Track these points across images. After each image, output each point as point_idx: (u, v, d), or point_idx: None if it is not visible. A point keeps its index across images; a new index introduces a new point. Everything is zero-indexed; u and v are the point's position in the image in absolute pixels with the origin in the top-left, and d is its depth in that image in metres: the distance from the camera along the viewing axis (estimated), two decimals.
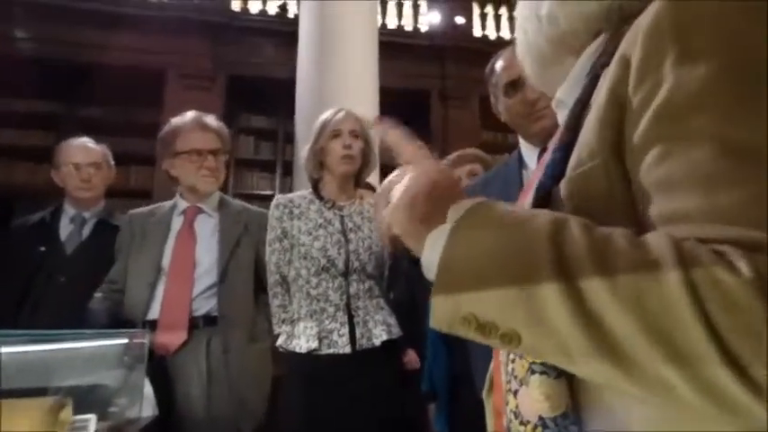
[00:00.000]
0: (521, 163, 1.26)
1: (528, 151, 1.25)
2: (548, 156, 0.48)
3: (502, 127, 5.36)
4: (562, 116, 0.56)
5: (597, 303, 0.31)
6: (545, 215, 0.37)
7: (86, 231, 1.86)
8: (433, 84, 5.02)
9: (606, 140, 0.39)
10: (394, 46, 4.56)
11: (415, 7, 5.25)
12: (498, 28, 5.44)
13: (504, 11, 5.58)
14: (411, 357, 2.34)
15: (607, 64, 0.42)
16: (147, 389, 1.34)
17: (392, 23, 5.03)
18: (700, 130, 0.33)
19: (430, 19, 5.28)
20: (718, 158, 0.32)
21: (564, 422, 0.39)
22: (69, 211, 1.89)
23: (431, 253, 0.40)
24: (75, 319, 1.50)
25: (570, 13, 0.50)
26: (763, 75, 0.32)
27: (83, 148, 1.91)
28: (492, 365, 0.57)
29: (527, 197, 0.50)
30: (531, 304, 0.33)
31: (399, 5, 5.16)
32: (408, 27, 5.12)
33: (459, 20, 5.30)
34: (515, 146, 4.96)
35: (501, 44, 5.81)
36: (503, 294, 0.34)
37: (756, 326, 0.27)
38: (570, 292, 0.32)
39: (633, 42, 0.38)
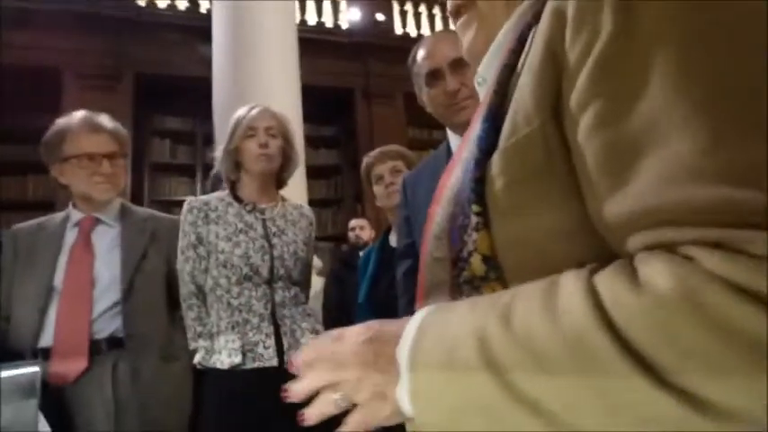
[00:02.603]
0: (449, 155, 1.24)
1: (455, 142, 1.24)
2: (474, 128, 0.43)
3: (428, 123, 5.46)
4: (482, 94, 0.51)
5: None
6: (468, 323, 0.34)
7: None
8: (357, 81, 5.00)
9: (543, 102, 0.34)
10: (315, 43, 4.47)
11: (335, 4, 5.19)
12: (419, 25, 5.51)
13: (423, 8, 5.67)
14: None
15: (535, 23, 0.38)
16: (43, 426, 1.19)
17: (312, 20, 4.94)
18: (648, 81, 0.28)
19: (350, 16, 5.24)
20: (671, 110, 0.27)
21: None
22: None
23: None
24: None
25: None
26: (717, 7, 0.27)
27: None
28: None
29: (450, 176, 0.46)
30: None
31: (318, 2, 5.08)
32: (329, 24, 5.05)
33: (380, 17, 5.30)
34: (442, 142, 5.04)
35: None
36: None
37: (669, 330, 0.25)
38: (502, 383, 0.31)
39: None
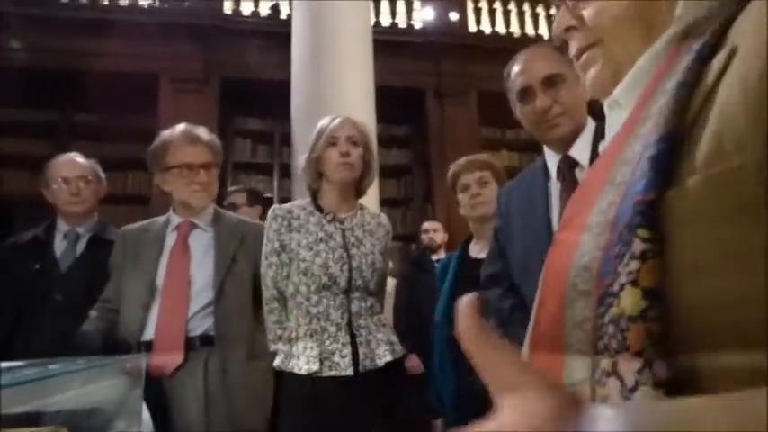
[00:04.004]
0: (546, 172, 1.23)
1: (551, 158, 1.22)
2: (639, 147, 0.39)
3: (501, 123, 5.30)
4: (614, 118, 0.49)
5: None
6: None
7: (80, 247, 1.83)
8: (429, 81, 4.98)
9: (763, 123, 0.30)
10: (388, 44, 4.51)
11: (409, 4, 5.20)
12: (493, 23, 5.39)
13: (498, 5, 5.53)
14: (414, 362, 2.32)
15: (715, 45, 0.36)
16: (145, 413, 1.32)
17: (386, 21, 4.98)
18: None
19: (424, 15, 5.22)
20: None
21: None
22: (62, 227, 1.86)
23: None
24: (71, 337, 1.48)
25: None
26: None
27: (70, 162, 1.89)
28: None
29: (587, 200, 0.42)
30: None
31: (392, 3, 5.11)
32: (402, 24, 5.07)
33: (454, 15, 5.24)
34: (515, 142, 4.94)
35: (496, 39, 5.76)
36: None
37: None
38: None
39: None
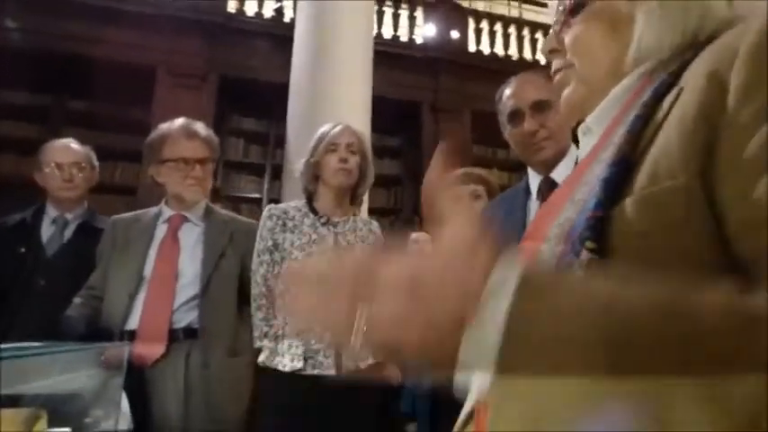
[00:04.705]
0: (528, 191, 1.28)
1: (533, 179, 1.27)
2: (587, 170, 0.45)
3: (493, 142, 5.38)
4: (585, 143, 0.55)
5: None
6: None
7: (68, 234, 1.83)
8: (426, 96, 5.05)
9: (692, 161, 0.36)
10: (388, 56, 4.58)
11: (411, 19, 5.28)
12: (493, 44, 5.50)
13: (498, 27, 5.65)
14: (393, 373, 2.34)
15: (672, 84, 0.42)
16: (123, 402, 1.32)
17: (388, 33, 5.05)
18: None
19: (425, 31, 5.32)
20: None
21: None
22: (51, 212, 1.85)
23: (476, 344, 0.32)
24: (54, 322, 1.48)
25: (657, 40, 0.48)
26: None
27: (65, 148, 1.88)
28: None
29: (552, 213, 0.47)
30: None
31: (396, 16, 5.19)
32: (404, 38, 5.14)
33: (455, 34, 5.34)
34: (506, 162, 5.01)
35: (494, 60, 5.86)
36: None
37: None
38: None
39: (728, 62, 0.37)
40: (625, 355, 0.30)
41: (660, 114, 0.41)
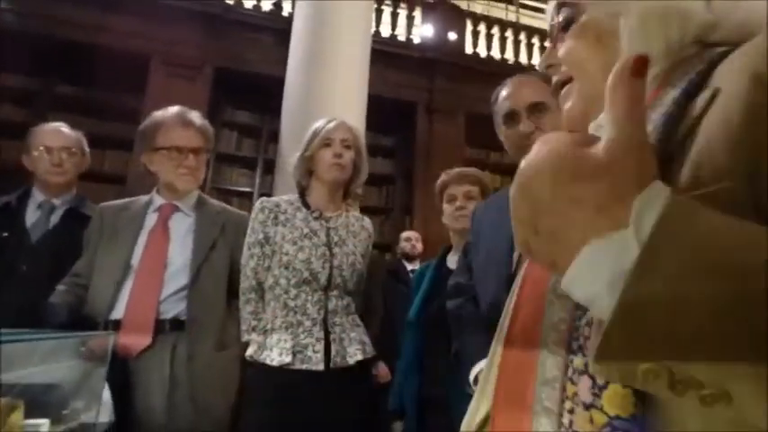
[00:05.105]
0: None
1: None
2: None
3: (486, 145, 5.40)
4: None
5: None
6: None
7: (54, 219, 1.78)
8: (421, 96, 5.05)
9: (741, 163, 0.35)
10: (385, 54, 4.57)
11: (410, 18, 5.28)
12: (489, 47, 5.51)
13: (496, 31, 5.67)
14: (382, 371, 2.33)
15: (699, 85, 0.41)
16: (105, 393, 1.28)
17: (386, 32, 5.04)
18: None
19: (423, 31, 5.31)
20: None
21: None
22: (38, 196, 1.80)
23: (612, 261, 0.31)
24: (35, 310, 1.44)
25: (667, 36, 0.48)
26: None
27: (56, 132, 1.84)
28: (484, 396, 0.54)
29: None
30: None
31: (394, 15, 5.18)
32: (401, 37, 5.14)
33: (452, 35, 5.34)
34: (498, 165, 5.03)
35: (491, 63, 5.88)
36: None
37: None
38: None
39: None
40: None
41: (695, 113, 0.40)
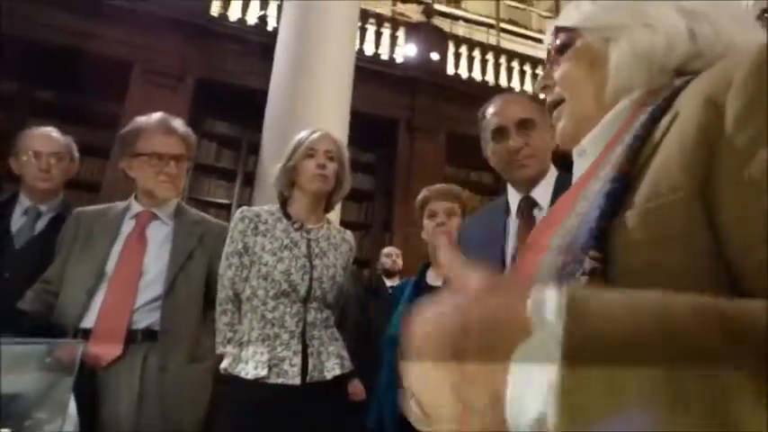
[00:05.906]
0: (507, 209, 1.29)
1: (513, 197, 1.29)
2: (586, 186, 0.48)
3: (466, 164, 5.48)
4: (580, 164, 0.59)
5: None
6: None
7: (40, 226, 1.73)
8: (403, 114, 5.12)
9: (693, 177, 0.39)
10: (368, 72, 4.63)
11: (393, 38, 5.38)
12: (471, 69, 5.64)
13: (477, 53, 5.81)
14: (357, 388, 2.30)
15: (666, 109, 0.45)
16: (71, 403, 1.24)
17: (369, 50, 5.11)
18: None
19: (406, 51, 5.41)
20: None
21: None
22: (24, 202, 1.75)
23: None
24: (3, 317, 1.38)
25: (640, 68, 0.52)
26: None
27: (45, 137, 1.80)
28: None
29: (549, 227, 0.50)
30: None
31: (378, 34, 5.27)
32: (384, 56, 5.22)
33: (434, 56, 5.45)
34: (478, 184, 5.10)
35: (471, 84, 6.02)
36: None
37: None
38: None
39: (724, 88, 0.39)
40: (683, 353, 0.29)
41: (657, 134, 0.44)
